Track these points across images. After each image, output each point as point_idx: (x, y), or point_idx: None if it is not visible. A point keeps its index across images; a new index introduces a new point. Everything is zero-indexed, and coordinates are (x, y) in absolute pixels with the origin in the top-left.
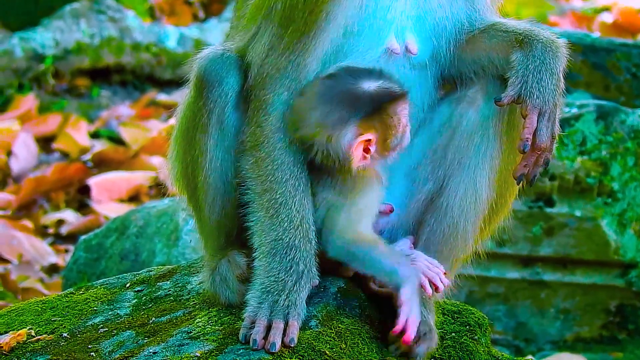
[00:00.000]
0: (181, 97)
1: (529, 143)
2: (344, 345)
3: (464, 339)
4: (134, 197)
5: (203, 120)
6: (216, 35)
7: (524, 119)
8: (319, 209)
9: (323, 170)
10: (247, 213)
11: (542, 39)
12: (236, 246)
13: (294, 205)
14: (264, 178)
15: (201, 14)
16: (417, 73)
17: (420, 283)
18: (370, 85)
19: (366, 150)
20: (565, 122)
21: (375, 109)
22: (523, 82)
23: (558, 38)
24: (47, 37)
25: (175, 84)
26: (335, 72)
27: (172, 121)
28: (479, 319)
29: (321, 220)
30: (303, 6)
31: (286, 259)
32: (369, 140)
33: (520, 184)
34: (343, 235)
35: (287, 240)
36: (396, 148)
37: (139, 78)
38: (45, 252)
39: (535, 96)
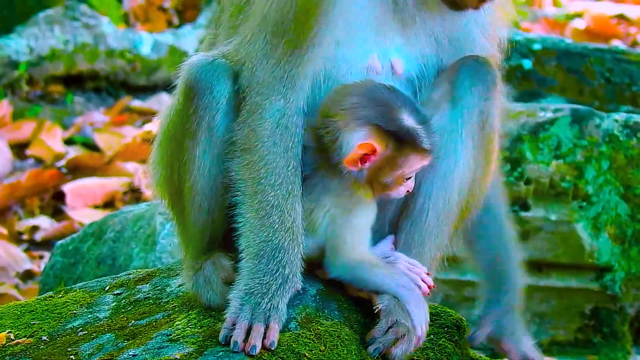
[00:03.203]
0: (157, 103)
1: None
2: (323, 347)
3: (442, 341)
4: (108, 203)
5: (192, 128)
6: (190, 42)
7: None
8: (322, 220)
9: (321, 178)
10: (235, 214)
11: None
12: (221, 249)
13: (287, 208)
14: (257, 180)
15: (175, 20)
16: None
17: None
18: (410, 120)
19: (363, 159)
20: (540, 126)
21: (401, 138)
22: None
23: None
24: (21, 43)
25: (150, 90)
26: (392, 86)
27: (147, 127)
28: (457, 320)
29: (323, 231)
30: (295, 20)
31: (273, 261)
32: (373, 151)
33: None
34: (346, 256)
35: (276, 242)
36: (383, 188)
37: (113, 84)
38: (20, 259)
39: None
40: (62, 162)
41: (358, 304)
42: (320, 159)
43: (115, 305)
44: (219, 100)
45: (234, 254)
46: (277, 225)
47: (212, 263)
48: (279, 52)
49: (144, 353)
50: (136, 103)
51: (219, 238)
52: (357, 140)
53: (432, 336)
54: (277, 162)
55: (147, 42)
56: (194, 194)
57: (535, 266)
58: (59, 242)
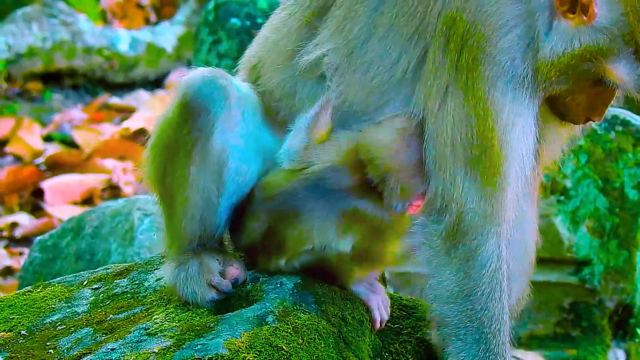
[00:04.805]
0: (135, 100)
1: None
2: (300, 341)
3: (420, 334)
4: (87, 200)
5: (187, 147)
6: (168, 39)
7: None
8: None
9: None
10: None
11: None
12: (210, 249)
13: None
14: (478, 329)
15: (153, 18)
16: None
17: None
18: None
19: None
20: None
21: None
22: None
23: None
24: None
25: (127, 87)
26: None
27: (125, 124)
28: None
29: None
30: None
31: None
32: None
33: None
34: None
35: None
36: None
37: (91, 81)
38: None
39: None
40: (41, 159)
41: (335, 298)
42: (354, 181)
43: (94, 299)
44: (214, 122)
45: (222, 256)
46: None
47: (199, 263)
48: (484, 187)
49: (122, 347)
50: (114, 100)
51: (210, 240)
52: (413, 198)
53: (409, 329)
54: (498, 310)
55: (125, 39)
56: (188, 206)
57: None
58: (38, 238)
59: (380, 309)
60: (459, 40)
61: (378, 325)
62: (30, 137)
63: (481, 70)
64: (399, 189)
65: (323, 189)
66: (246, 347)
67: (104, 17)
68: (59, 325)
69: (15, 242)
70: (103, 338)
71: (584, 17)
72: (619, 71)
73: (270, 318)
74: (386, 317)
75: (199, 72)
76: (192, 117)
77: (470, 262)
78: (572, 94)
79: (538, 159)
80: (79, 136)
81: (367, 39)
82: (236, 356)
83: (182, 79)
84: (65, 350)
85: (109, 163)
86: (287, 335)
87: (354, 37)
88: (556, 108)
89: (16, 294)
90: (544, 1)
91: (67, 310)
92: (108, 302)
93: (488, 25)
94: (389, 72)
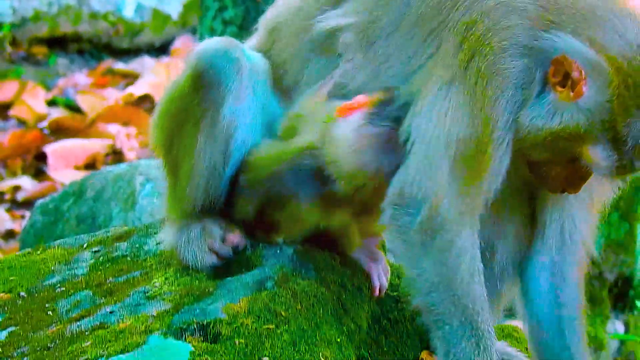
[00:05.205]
0: (140, 65)
1: None
2: (299, 306)
3: None
4: (90, 165)
5: (196, 117)
6: (174, 5)
7: None
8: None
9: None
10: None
11: None
12: (212, 215)
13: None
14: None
15: None
16: None
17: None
18: None
19: None
20: None
21: None
22: None
23: None
24: (4, 4)
25: (132, 53)
26: None
27: (129, 89)
28: None
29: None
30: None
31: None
32: None
33: None
34: None
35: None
36: None
37: (96, 47)
38: (2, 218)
39: None
40: (45, 124)
41: (334, 265)
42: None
43: (93, 262)
44: (225, 95)
45: (225, 222)
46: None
47: (202, 228)
48: (464, 185)
49: (121, 309)
50: (119, 65)
51: (212, 207)
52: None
53: (408, 297)
54: (478, 292)
55: (130, 5)
56: (193, 174)
57: None
58: (40, 200)
59: (380, 276)
60: (474, 41)
61: (377, 292)
62: (34, 101)
63: (489, 79)
64: (372, 196)
65: (304, 172)
66: (245, 312)
67: None
68: (59, 287)
69: (17, 205)
70: (102, 301)
71: (571, 94)
72: (595, 155)
73: (269, 283)
74: (385, 285)
75: (212, 43)
76: (203, 88)
77: (447, 252)
78: (550, 164)
79: None
80: (83, 101)
81: (392, 32)
82: (234, 321)
83: (195, 49)
84: (64, 312)
85: (113, 128)
86: (286, 301)
87: (382, 26)
88: (534, 173)
89: (16, 255)
90: (545, 59)
91: (67, 273)
92: (108, 265)
93: (500, 38)
94: (402, 67)
